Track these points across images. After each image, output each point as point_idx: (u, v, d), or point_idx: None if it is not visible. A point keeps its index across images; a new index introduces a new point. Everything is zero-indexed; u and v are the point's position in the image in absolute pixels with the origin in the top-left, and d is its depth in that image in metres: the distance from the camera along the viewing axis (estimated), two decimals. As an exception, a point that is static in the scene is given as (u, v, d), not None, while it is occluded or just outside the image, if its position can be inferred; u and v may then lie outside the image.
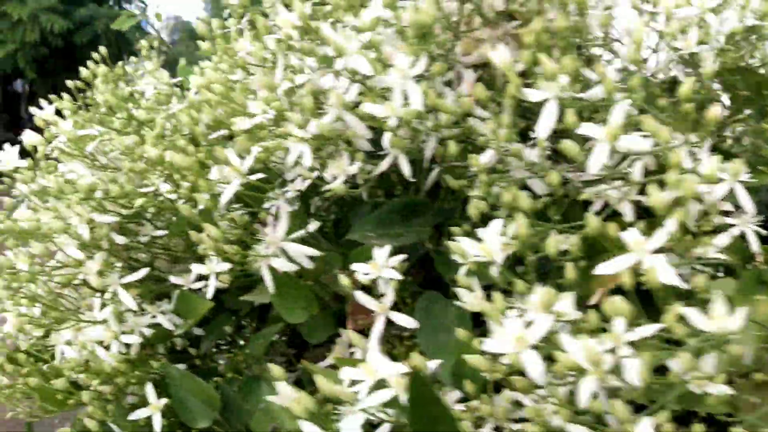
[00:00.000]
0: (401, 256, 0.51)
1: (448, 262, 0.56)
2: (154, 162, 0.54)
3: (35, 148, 0.66)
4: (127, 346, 0.62)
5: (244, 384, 0.62)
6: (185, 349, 0.70)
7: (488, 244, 0.36)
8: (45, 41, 8.46)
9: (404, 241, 0.55)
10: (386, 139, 0.43)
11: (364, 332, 0.65)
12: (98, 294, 0.65)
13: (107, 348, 0.61)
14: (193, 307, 0.62)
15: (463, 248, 0.37)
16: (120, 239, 0.65)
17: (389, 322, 0.63)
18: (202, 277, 0.66)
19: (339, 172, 0.47)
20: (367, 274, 0.50)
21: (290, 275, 0.58)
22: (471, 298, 0.39)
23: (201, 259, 0.71)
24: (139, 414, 0.60)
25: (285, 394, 0.44)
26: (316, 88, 0.46)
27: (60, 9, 8.45)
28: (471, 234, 0.45)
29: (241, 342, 0.79)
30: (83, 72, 0.67)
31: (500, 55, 0.39)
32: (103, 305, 0.62)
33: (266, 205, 0.59)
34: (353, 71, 0.43)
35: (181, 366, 0.68)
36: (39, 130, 0.66)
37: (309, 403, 0.39)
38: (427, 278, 0.62)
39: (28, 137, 0.63)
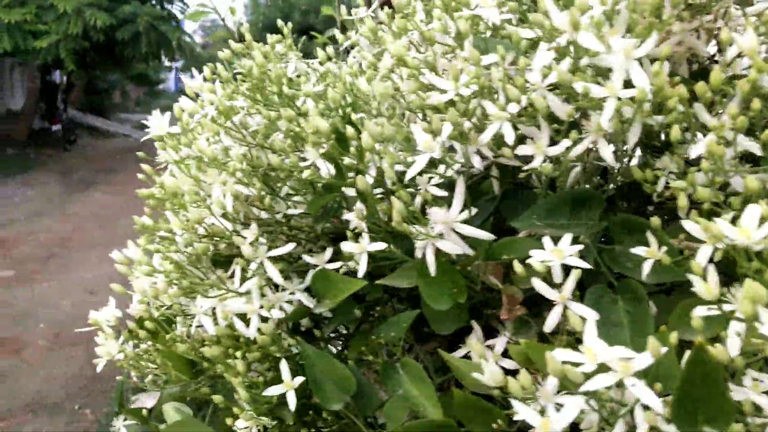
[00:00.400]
0: (579, 246, 0.50)
1: (616, 256, 0.55)
2: (325, 134, 0.54)
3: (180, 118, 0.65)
4: (264, 321, 0.61)
5: (382, 369, 0.61)
6: (309, 329, 0.69)
7: (748, 228, 0.34)
8: (87, 35, 8.60)
9: (571, 233, 0.54)
10: (604, 120, 0.42)
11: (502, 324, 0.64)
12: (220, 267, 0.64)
13: (246, 321, 0.60)
14: (336, 286, 0.61)
15: (721, 230, 0.35)
16: (259, 213, 0.65)
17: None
18: (334, 259, 0.66)
19: (538, 152, 0.46)
20: (546, 261, 0.49)
21: (443, 260, 0.57)
22: (703, 287, 0.37)
23: (336, 239, 0.70)
24: (273, 391, 0.59)
25: (494, 374, 0.42)
26: (522, 66, 0.45)
27: (104, 5, 8.61)
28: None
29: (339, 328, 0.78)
30: (234, 46, 0.67)
31: (749, 40, 0.38)
32: (244, 278, 0.61)
33: (423, 186, 0.59)
34: (577, 49, 0.42)
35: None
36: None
37: (527, 381, 0.38)
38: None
39: (182, 104, 0.63)
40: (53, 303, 4.59)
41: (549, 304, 0.62)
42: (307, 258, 0.65)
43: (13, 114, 9.85)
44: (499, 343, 0.61)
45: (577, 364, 0.39)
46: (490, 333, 0.66)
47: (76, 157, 9.75)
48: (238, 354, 0.58)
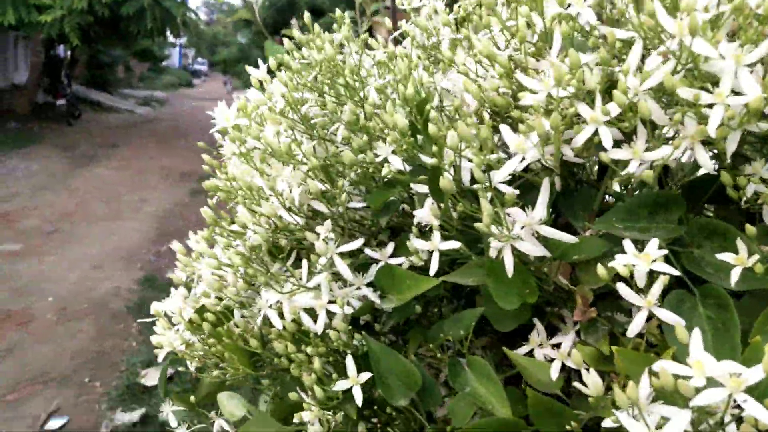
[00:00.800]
0: (665, 251, 0.50)
1: (696, 260, 0.55)
2: (402, 130, 0.53)
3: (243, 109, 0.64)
4: (329, 316, 0.60)
5: (449, 367, 0.61)
6: (367, 324, 0.69)
7: None
8: (92, 10, 8.51)
9: (651, 237, 0.53)
10: (711, 127, 0.41)
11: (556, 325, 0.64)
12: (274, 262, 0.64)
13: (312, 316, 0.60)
14: (402, 282, 0.61)
15: None
16: (322, 207, 0.64)
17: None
18: (395, 254, 0.65)
19: (635, 157, 0.45)
20: (631, 265, 0.48)
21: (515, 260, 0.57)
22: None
23: (393, 234, 0.70)
24: (340, 386, 0.59)
25: (595, 384, 0.42)
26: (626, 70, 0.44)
27: (110, -21, 8.51)
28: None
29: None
30: (296, 34, 0.66)
31: None
32: (311, 273, 0.60)
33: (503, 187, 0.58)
34: (687, 53, 0.41)
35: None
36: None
37: (634, 394, 0.38)
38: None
39: (251, 96, 0.62)
40: (59, 277, 4.60)
41: (615, 306, 0.62)
42: (369, 252, 0.64)
43: (17, 88, 9.78)
44: (566, 342, 0.61)
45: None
46: (547, 331, 0.66)
47: (79, 132, 9.70)
48: (310, 350, 0.57)
